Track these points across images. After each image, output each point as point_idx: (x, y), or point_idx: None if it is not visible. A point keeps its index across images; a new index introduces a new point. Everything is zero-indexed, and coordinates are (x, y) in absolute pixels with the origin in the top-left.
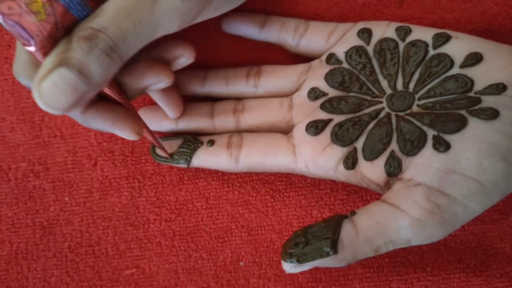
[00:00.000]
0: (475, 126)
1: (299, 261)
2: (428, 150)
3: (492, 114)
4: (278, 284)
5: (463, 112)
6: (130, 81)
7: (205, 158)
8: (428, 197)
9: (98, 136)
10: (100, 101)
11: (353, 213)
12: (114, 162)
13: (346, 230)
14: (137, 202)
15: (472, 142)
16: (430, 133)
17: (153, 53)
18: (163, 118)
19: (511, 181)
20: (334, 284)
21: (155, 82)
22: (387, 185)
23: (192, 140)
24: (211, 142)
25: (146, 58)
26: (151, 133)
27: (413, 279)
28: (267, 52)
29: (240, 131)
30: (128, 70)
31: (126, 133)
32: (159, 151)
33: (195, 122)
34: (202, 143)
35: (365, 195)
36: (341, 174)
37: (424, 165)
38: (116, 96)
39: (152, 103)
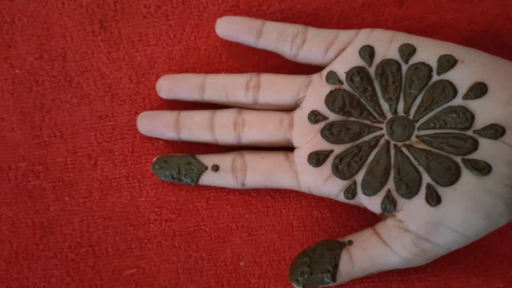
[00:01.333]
0: (467, 181)
1: (304, 286)
2: (420, 199)
3: (484, 169)
4: (278, 284)
5: (459, 160)
6: None
7: (211, 181)
8: (416, 243)
9: (98, 136)
10: None
11: (350, 242)
12: (114, 162)
13: (344, 262)
14: (137, 202)
15: (461, 199)
16: (425, 178)
17: None
18: (164, 128)
19: (490, 230)
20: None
21: None
22: (382, 215)
23: (196, 163)
24: (216, 168)
25: None
26: None
27: (414, 279)
28: (268, 51)
29: (241, 146)
30: None
31: None
32: (161, 168)
33: (196, 135)
34: (206, 167)
35: None
36: (342, 200)
37: (415, 214)
38: None
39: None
